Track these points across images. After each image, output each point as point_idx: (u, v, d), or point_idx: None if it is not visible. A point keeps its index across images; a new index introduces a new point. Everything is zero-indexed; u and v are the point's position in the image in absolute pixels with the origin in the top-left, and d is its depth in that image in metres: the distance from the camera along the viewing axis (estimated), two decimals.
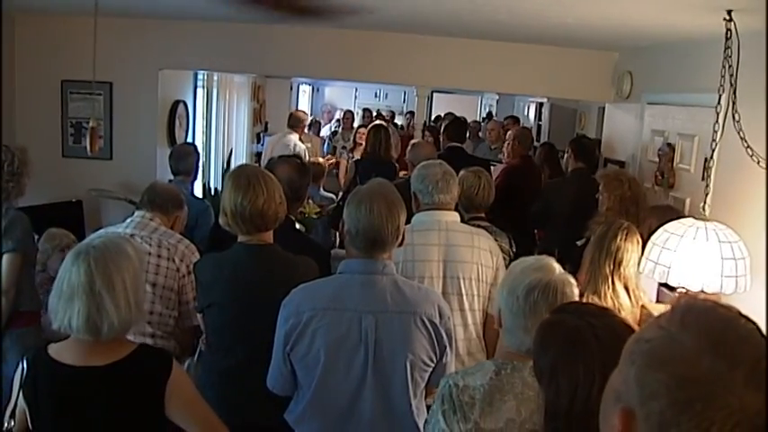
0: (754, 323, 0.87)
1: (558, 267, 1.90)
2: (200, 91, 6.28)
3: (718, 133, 2.70)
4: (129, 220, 3.07)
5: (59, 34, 4.99)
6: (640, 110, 4.45)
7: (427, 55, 5.27)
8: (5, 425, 1.97)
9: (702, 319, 0.86)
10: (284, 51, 5.22)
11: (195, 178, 4.52)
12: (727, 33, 2.64)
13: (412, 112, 11.26)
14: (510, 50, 5.15)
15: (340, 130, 9.87)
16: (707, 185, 2.79)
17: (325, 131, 10.65)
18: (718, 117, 2.69)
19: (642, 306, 2.95)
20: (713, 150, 2.75)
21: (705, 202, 2.75)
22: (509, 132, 5.97)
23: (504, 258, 3.62)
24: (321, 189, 6.24)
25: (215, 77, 6.62)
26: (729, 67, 2.65)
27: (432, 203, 3.03)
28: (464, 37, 5.07)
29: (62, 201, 4.99)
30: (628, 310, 2.96)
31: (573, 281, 1.90)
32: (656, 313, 2.80)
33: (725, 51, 2.64)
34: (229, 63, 5.43)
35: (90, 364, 1.91)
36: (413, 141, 5.28)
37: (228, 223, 2.45)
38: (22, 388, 1.94)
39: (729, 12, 2.62)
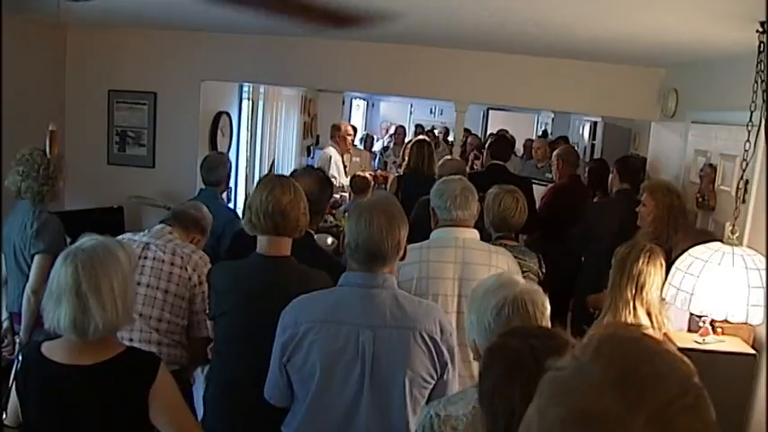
0: (683, 362, 0.78)
1: (521, 280, 1.82)
2: (245, 103, 6.37)
3: (750, 152, 2.54)
4: (147, 230, 3.12)
5: (107, 46, 5.18)
6: (685, 129, 4.26)
7: (472, 70, 5.21)
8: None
9: (617, 352, 0.77)
10: (325, 65, 5.25)
11: (227, 188, 4.56)
12: (759, 46, 2.49)
13: (467, 129, 11.17)
14: (555, 66, 5.03)
15: (391, 145, 9.87)
16: (736, 208, 2.63)
17: (378, 146, 10.69)
18: (749, 135, 2.53)
19: (665, 334, 2.80)
20: (743, 171, 2.59)
21: (734, 225, 2.58)
22: (554, 152, 5.83)
23: (533, 279, 3.51)
24: None
25: (261, 90, 6.70)
26: (762, 82, 2.49)
27: (449, 219, 2.98)
28: (507, 52, 4.99)
29: (105, 206, 5.14)
30: None
31: (539, 288, 1.82)
32: (677, 342, 2.67)
33: (757, 65, 2.49)
34: (270, 75, 5.50)
35: (76, 363, 1.95)
36: (445, 157, 5.22)
37: (251, 219, 2.45)
38: (14, 381, 2.01)
39: (763, 23, 2.46)
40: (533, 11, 2.88)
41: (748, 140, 2.53)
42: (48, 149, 3.44)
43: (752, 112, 2.51)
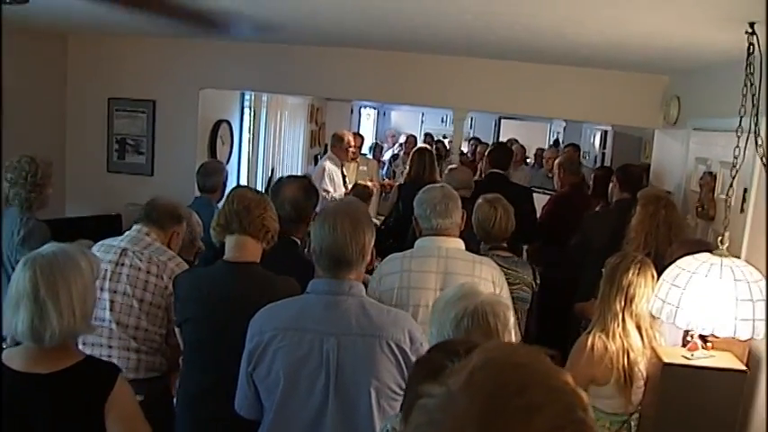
0: (570, 393, 0.69)
1: (484, 291, 1.74)
2: (246, 111, 6.35)
3: (739, 159, 2.44)
4: (125, 234, 3.07)
5: (107, 54, 5.19)
6: (686, 136, 4.15)
7: (473, 78, 5.15)
8: None
9: (489, 380, 0.69)
10: (325, 73, 5.22)
11: (222, 196, 4.52)
12: (749, 48, 2.39)
13: (477, 138, 11.09)
14: (556, 74, 4.95)
15: (401, 154, 9.81)
16: (725, 217, 2.52)
17: (387, 155, 10.63)
18: (738, 141, 2.43)
19: (653, 348, 2.69)
20: (733, 178, 2.48)
21: (723, 236, 2.47)
22: (555, 161, 5.73)
23: (526, 291, 3.44)
24: None
25: (263, 98, 6.68)
26: (752, 85, 2.39)
27: (431, 228, 2.92)
28: (506, 59, 4.91)
29: (104, 214, 5.13)
30: (639, 352, 2.71)
31: (504, 300, 1.74)
32: (665, 357, 2.56)
33: (746, 68, 2.39)
34: (269, 84, 5.49)
35: (33, 371, 1.93)
36: (450, 166, 5.14)
37: (218, 222, 2.47)
38: None
39: (752, 24, 2.36)
40: (517, 14, 2.80)
41: (738, 146, 2.43)
42: None
43: (741, 118, 2.41)
